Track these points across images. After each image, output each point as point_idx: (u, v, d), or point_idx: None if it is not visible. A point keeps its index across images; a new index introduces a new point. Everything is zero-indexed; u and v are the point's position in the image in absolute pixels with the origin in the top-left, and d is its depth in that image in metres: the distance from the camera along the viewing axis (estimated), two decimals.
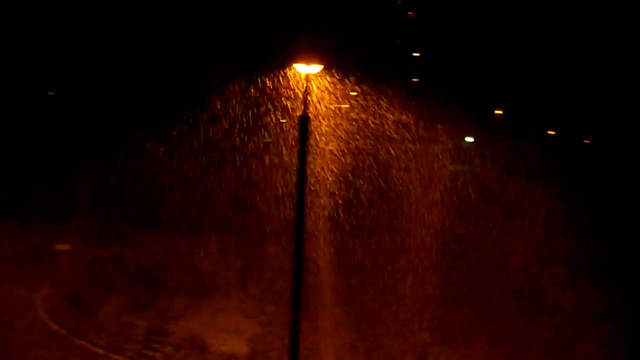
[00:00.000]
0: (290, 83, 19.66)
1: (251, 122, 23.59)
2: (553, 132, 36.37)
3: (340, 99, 22.08)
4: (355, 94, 23.59)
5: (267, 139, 24.47)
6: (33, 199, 31.61)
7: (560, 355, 19.55)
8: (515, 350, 19.66)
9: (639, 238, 24.84)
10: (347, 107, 23.11)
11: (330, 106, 22.29)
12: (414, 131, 24.36)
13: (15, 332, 19.18)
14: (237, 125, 23.55)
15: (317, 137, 21.27)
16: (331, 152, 22.24)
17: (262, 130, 23.87)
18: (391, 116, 23.81)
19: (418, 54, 31.70)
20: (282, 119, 22.77)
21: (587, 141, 37.60)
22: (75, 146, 30.83)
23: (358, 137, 23.84)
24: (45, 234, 27.68)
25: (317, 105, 21.06)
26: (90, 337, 19.43)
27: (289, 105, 21.25)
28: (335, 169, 22.74)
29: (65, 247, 26.13)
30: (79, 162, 30.38)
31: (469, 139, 29.81)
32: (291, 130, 21.90)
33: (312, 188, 21.41)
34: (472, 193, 24.93)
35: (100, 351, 18.59)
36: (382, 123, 23.98)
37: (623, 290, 22.90)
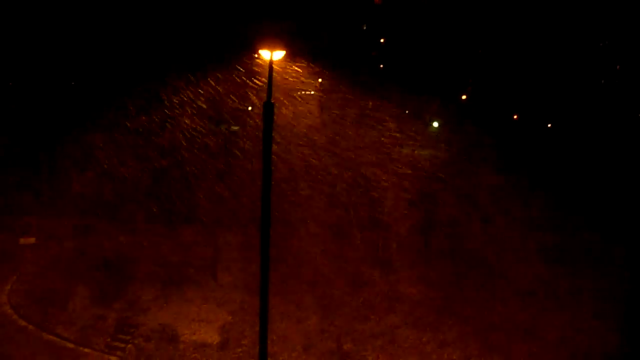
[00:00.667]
0: (255, 70, 19.63)
1: (217, 110, 23.39)
2: (516, 117, 36.96)
3: (305, 86, 22.08)
4: (320, 80, 23.59)
5: (233, 127, 24.30)
6: None
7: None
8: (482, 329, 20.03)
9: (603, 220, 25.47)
10: (311, 94, 23.11)
11: (296, 93, 22.31)
12: (378, 116, 24.48)
13: None
14: (202, 113, 23.34)
15: (282, 122, 21.29)
16: (297, 137, 22.30)
17: (228, 118, 23.68)
18: (356, 102, 23.93)
19: (383, 40, 31.77)
20: (247, 105, 22.64)
21: (550, 125, 38.32)
22: (38, 137, 30.09)
23: (324, 122, 23.90)
24: (10, 228, 27.09)
25: (282, 92, 21.08)
26: (59, 331, 19.25)
27: (252, 93, 21.20)
28: (300, 155, 22.83)
29: (30, 240, 25.62)
30: (43, 154, 29.73)
31: (435, 124, 30.11)
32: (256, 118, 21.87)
33: (279, 174, 21.44)
34: (432, 175, 25.19)
35: (70, 345, 18.43)
36: (347, 109, 24.10)
37: (586, 269, 23.58)
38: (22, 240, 25.63)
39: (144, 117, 24.09)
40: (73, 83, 32.36)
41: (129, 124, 24.42)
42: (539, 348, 18.90)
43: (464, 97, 32.74)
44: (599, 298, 21.53)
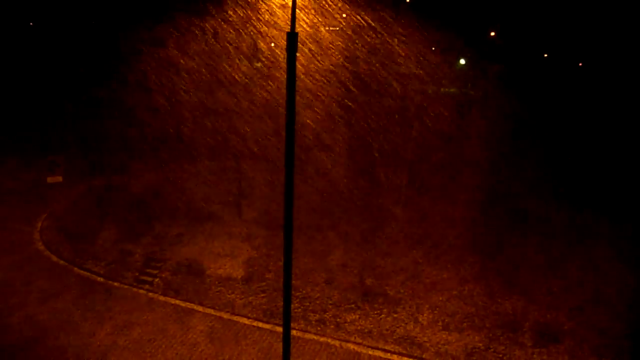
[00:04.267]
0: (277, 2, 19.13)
1: (238, 42, 23.01)
2: (546, 55, 35.91)
3: (330, 20, 21.54)
4: (345, 15, 22.97)
5: (256, 64, 23.95)
6: (23, 134, 31.40)
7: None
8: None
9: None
10: (336, 28, 22.56)
11: (321, 27, 21.79)
12: (404, 52, 23.94)
13: (15, 265, 19.55)
14: (226, 46, 23.00)
15: (307, 56, 20.94)
16: (320, 70, 21.94)
17: (251, 50, 23.30)
18: (382, 37, 23.34)
19: None
20: (271, 38, 22.19)
21: (581, 64, 37.19)
22: (64, 80, 30.23)
23: (348, 56, 23.41)
24: (37, 167, 27.62)
25: (306, 25, 20.60)
26: (89, 266, 19.85)
27: (275, 27, 20.75)
28: (325, 87, 22.52)
29: (58, 179, 26.07)
30: (69, 96, 29.94)
31: (462, 61, 29.39)
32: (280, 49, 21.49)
33: (304, 106, 21.27)
34: (458, 113, 24.79)
35: (100, 279, 19.00)
36: (372, 43, 23.54)
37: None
38: (49, 179, 26.08)
39: (170, 52, 23.85)
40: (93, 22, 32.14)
41: (149, 66, 24.24)
42: (559, 287, 18.96)
43: (492, 33, 31.77)
44: (619, 240, 21.47)
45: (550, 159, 25.93)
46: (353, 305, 17.71)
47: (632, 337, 16.54)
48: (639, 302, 18.23)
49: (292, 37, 12.19)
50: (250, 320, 16.98)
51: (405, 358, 15.69)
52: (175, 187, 24.95)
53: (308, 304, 17.73)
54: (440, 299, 18.20)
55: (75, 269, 19.66)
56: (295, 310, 17.27)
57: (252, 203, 23.86)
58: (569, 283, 19.17)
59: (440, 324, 17.14)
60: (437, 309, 17.70)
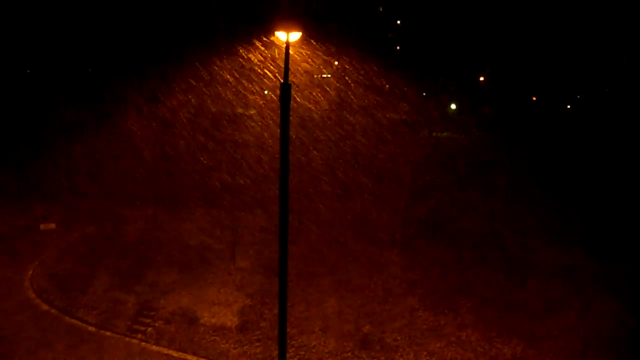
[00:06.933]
0: (270, 53, 19.50)
1: (233, 92, 23.33)
2: (535, 98, 36.55)
3: (321, 69, 21.94)
4: (336, 63, 23.41)
5: (251, 111, 24.24)
6: (15, 179, 31.31)
7: None
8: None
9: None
10: (328, 77, 22.96)
11: (313, 75, 22.16)
12: (395, 99, 24.31)
13: (5, 313, 19.21)
14: (218, 94, 23.31)
15: (299, 105, 21.23)
16: (313, 119, 22.21)
17: (244, 100, 23.60)
18: (372, 84, 23.73)
19: (400, 22, 31.45)
20: (264, 88, 22.54)
21: (569, 106, 37.86)
22: (53, 125, 30.37)
23: (340, 104, 23.76)
24: (30, 215, 27.51)
25: (299, 74, 20.96)
26: (81, 314, 19.53)
27: (267, 76, 21.07)
28: (319, 136, 22.75)
29: (51, 226, 25.97)
30: (59, 142, 30.01)
31: (453, 107, 29.87)
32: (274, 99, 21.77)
33: (297, 156, 21.43)
34: (451, 157, 25.02)
35: (92, 328, 18.67)
36: (364, 92, 23.91)
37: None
38: (42, 226, 26.01)
39: (163, 100, 24.11)
40: (90, 69, 32.53)
41: (142, 109, 24.45)
42: (557, 330, 18.79)
43: (481, 79, 32.43)
44: (617, 281, 21.38)
45: (543, 201, 26.07)
46: (350, 354, 17.43)
47: None
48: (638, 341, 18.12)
49: (286, 87, 12.44)
50: None
51: None
52: (169, 234, 24.80)
53: (304, 352, 17.44)
54: (439, 345, 17.95)
55: (67, 317, 19.33)
56: (290, 357, 16.96)
57: (245, 250, 23.71)
58: (567, 326, 19.00)
59: None
60: (435, 355, 17.44)
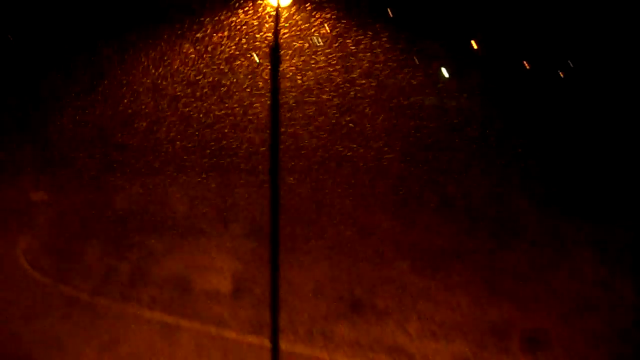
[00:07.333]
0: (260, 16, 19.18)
1: (220, 57, 22.99)
2: (527, 64, 36.32)
3: (313, 34, 21.64)
4: (329, 29, 23.07)
5: (238, 76, 23.92)
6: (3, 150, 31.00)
7: None
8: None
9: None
10: (319, 43, 22.66)
11: (303, 42, 21.88)
12: (388, 65, 24.06)
13: None
14: (205, 61, 23.00)
15: (289, 72, 21.04)
16: (304, 86, 22.02)
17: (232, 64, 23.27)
18: (365, 49, 23.43)
19: None
20: (253, 53, 22.24)
21: (562, 73, 37.65)
22: (42, 95, 29.93)
23: (332, 71, 23.50)
24: (20, 185, 27.32)
25: (289, 40, 20.72)
26: (75, 283, 19.63)
27: (258, 40, 20.78)
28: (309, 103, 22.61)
29: (41, 196, 25.87)
30: (48, 110, 29.61)
31: (444, 71, 29.58)
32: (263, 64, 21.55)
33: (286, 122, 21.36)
34: (442, 125, 24.96)
35: (85, 297, 18.82)
36: (356, 58, 23.64)
37: None
38: (33, 196, 25.88)
39: (147, 65, 23.69)
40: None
41: (132, 72, 24.04)
42: (546, 293, 19.08)
43: (473, 43, 32.06)
44: (606, 247, 21.47)
45: (536, 166, 26.12)
46: (341, 317, 17.70)
47: (620, 341, 16.74)
48: (625, 305, 18.48)
49: (276, 51, 12.34)
50: (238, 334, 16.91)
51: None
52: (159, 202, 24.71)
53: (296, 316, 17.68)
54: (428, 308, 18.25)
55: (60, 286, 19.45)
56: (283, 322, 17.18)
57: (238, 216, 23.68)
58: (555, 290, 19.30)
59: (428, 333, 17.20)
60: (425, 318, 17.75)
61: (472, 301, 18.62)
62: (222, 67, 22.95)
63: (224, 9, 20.92)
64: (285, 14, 18.34)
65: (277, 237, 13.78)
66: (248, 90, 22.98)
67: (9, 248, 22.22)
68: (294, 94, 21.87)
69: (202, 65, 22.99)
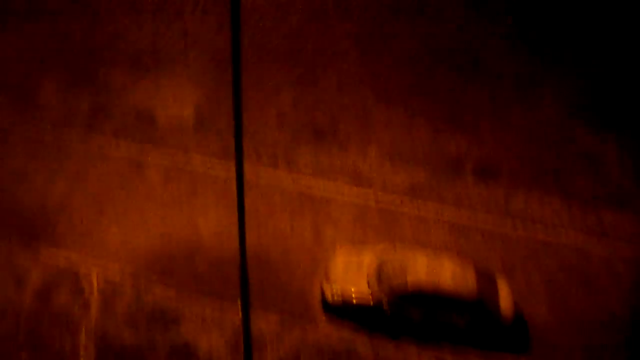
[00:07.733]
0: None
1: None
2: None
3: None
4: None
5: None
6: None
7: None
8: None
9: None
10: None
11: None
12: None
13: None
14: None
15: None
16: None
17: None
18: None
19: None
20: None
21: None
22: None
23: None
24: None
25: None
26: (35, 122, 19.23)
27: None
28: None
29: None
30: None
31: None
32: None
33: None
34: None
35: (48, 136, 18.60)
36: None
37: None
38: None
39: None
40: None
41: None
42: (502, 128, 19.76)
43: None
44: (565, 88, 21.80)
45: (508, 12, 25.43)
46: (303, 143, 18.18)
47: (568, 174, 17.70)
48: (570, 138, 19.44)
49: None
50: (204, 161, 17.28)
51: (355, 188, 16.61)
52: (117, 35, 23.45)
53: (259, 145, 18.01)
54: (388, 137, 18.79)
55: (23, 126, 19.11)
56: (247, 147, 17.44)
57: (198, 46, 22.78)
58: (511, 125, 19.95)
59: (387, 160, 17.92)
60: (385, 146, 18.36)
61: (431, 132, 19.18)
62: None
63: None
64: None
65: (239, 64, 13.51)
66: None
67: None
68: None
69: None
